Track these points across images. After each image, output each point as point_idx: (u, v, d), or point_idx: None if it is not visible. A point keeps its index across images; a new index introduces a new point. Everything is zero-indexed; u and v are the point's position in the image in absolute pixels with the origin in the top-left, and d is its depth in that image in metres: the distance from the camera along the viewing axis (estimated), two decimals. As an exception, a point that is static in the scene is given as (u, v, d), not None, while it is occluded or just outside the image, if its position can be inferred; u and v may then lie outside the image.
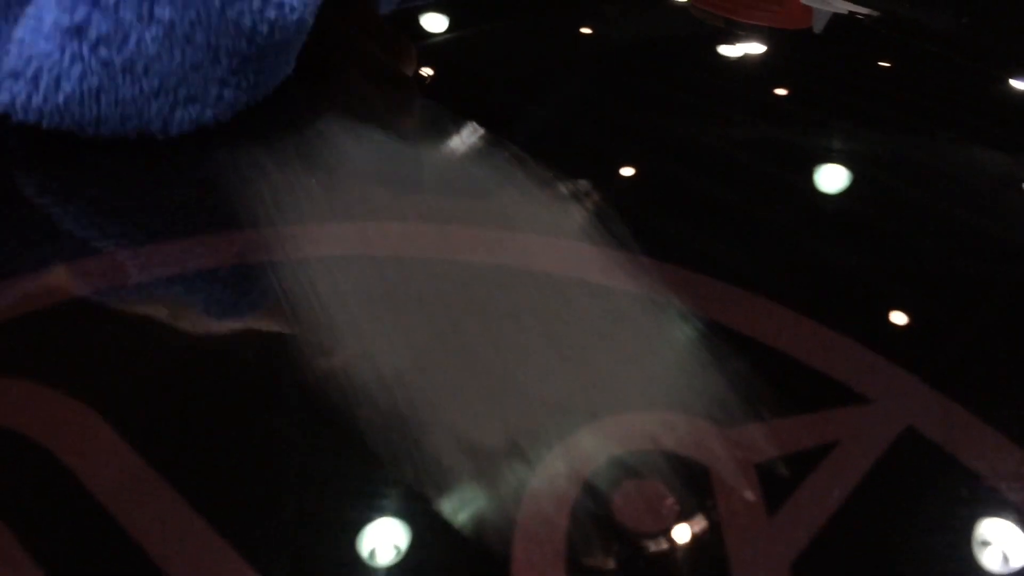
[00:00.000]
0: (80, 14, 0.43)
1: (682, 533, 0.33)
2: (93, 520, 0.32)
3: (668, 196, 0.52)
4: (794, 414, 0.37)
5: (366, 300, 0.41)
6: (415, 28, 0.66)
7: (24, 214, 0.46)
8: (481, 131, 0.51)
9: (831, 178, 0.54)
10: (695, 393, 0.37)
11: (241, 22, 0.46)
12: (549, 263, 0.43)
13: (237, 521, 0.33)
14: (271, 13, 0.46)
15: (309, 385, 0.37)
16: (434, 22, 0.68)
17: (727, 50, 0.71)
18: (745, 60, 0.69)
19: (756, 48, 0.71)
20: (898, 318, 0.44)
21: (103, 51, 0.44)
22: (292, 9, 0.46)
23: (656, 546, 0.33)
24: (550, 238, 0.45)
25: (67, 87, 0.44)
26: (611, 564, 0.32)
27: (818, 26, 0.76)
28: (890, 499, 0.35)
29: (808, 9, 0.78)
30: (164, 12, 0.44)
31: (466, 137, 0.51)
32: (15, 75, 0.44)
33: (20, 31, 0.44)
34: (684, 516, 0.34)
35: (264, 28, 0.46)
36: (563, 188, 0.48)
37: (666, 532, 0.33)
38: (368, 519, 0.33)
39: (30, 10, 0.44)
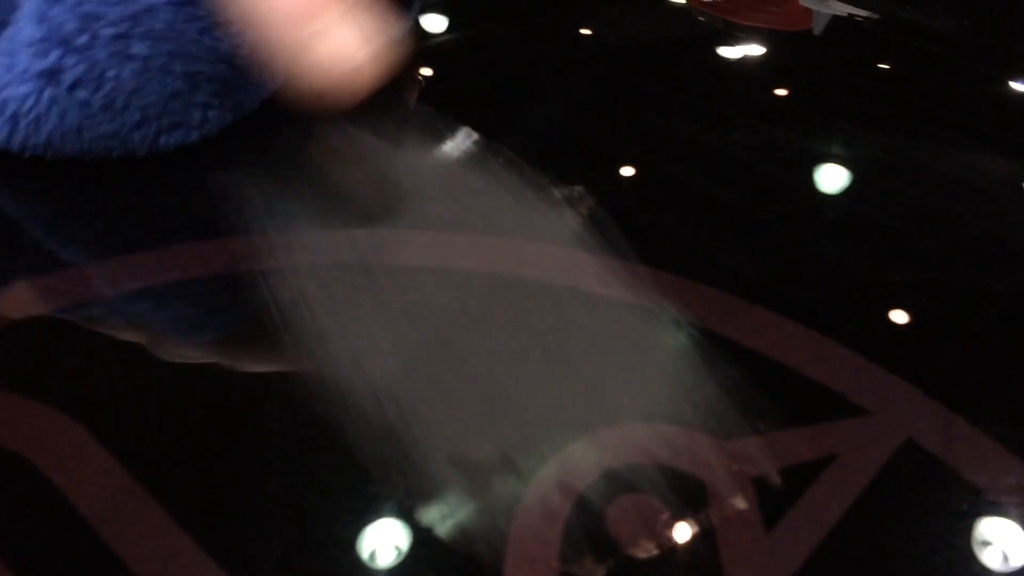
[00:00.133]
0: (53, 58, 0.43)
1: (677, 548, 0.33)
2: (78, 536, 0.32)
3: (665, 201, 0.51)
4: (792, 426, 0.37)
5: (355, 309, 0.40)
6: (414, 29, 0.65)
7: (4, 224, 0.45)
8: (475, 135, 0.51)
9: (830, 182, 0.54)
10: (691, 405, 0.37)
11: (220, 48, 0.45)
12: (543, 271, 0.43)
13: (224, 538, 0.32)
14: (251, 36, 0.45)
15: (298, 396, 0.37)
16: (432, 22, 0.67)
17: (726, 52, 0.70)
18: (744, 62, 0.69)
19: (755, 50, 0.70)
20: (897, 327, 0.43)
21: (81, 93, 0.43)
22: None
23: (651, 562, 0.32)
24: (544, 245, 0.44)
25: (47, 127, 0.44)
26: (605, 581, 0.32)
27: (818, 28, 0.75)
28: (890, 513, 0.35)
29: (808, 11, 0.77)
30: (140, 48, 0.43)
31: (459, 141, 0.51)
32: None
33: None
34: (679, 531, 0.33)
35: (244, 51, 0.45)
36: (558, 193, 0.47)
37: (661, 547, 0.33)
38: (357, 535, 0.33)
39: (1, 47, 0.43)
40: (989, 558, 0.33)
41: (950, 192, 0.55)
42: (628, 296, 0.42)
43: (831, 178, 0.54)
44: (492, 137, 0.51)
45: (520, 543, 0.32)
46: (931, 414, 0.38)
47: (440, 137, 0.51)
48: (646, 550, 0.33)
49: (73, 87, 0.43)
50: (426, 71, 0.61)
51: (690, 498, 0.34)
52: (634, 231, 0.45)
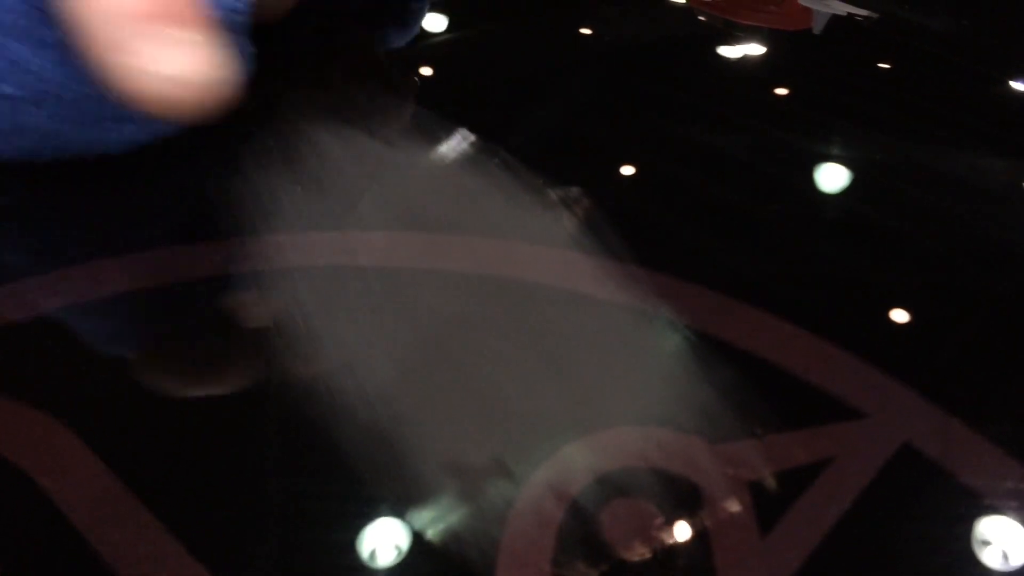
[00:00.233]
0: None
1: (671, 554, 0.32)
2: (66, 542, 0.31)
3: (662, 201, 0.51)
4: (788, 430, 0.36)
5: (348, 311, 0.40)
6: (424, 28, 0.65)
7: None
8: (470, 136, 0.50)
9: (828, 183, 0.53)
10: (686, 408, 0.37)
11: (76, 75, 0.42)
12: (538, 273, 0.42)
13: (215, 544, 0.32)
14: None
15: (289, 400, 0.36)
16: (431, 22, 0.67)
17: (725, 51, 0.70)
18: (743, 62, 0.68)
19: (755, 49, 0.70)
20: (895, 329, 0.43)
21: (6, 88, 0.42)
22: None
23: (644, 567, 0.32)
24: (539, 247, 0.44)
25: None
26: (598, 587, 0.32)
27: (818, 27, 0.75)
28: (887, 518, 0.34)
29: (807, 10, 0.77)
30: (55, 34, 0.40)
31: (455, 142, 0.50)
32: None
33: None
34: (673, 536, 0.33)
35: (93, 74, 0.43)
36: (553, 195, 0.47)
37: (655, 553, 0.32)
38: (349, 539, 0.33)
39: None
40: (988, 562, 0.33)
41: (949, 192, 0.55)
42: (623, 298, 0.41)
43: (829, 178, 0.54)
44: (491, 137, 0.51)
45: (512, 548, 0.32)
46: (929, 417, 0.37)
47: (435, 138, 0.50)
48: (640, 555, 0.32)
49: None
50: (426, 71, 0.61)
51: (685, 502, 0.34)
52: (631, 231, 0.45)
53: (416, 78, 0.59)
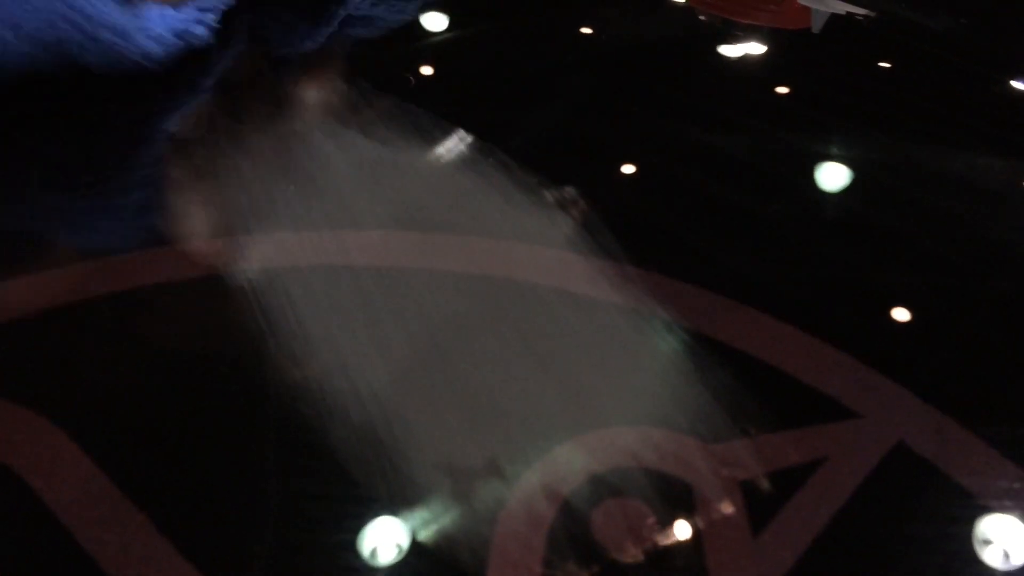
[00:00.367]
0: None
1: (663, 554, 0.32)
2: (54, 541, 0.31)
3: (657, 203, 0.51)
4: (781, 429, 0.36)
5: (342, 311, 0.40)
6: (414, 28, 0.65)
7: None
8: (466, 136, 0.50)
9: (823, 183, 0.53)
10: (679, 408, 0.36)
11: None
12: (532, 273, 0.42)
13: (206, 546, 0.32)
14: None
15: (282, 400, 0.36)
16: (432, 21, 0.67)
17: (725, 51, 0.69)
18: (741, 61, 0.68)
19: (753, 49, 0.70)
20: (890, 329, 0.43)
21: None
22: None
23: (636, 567, 0.32)
24: (533, 247, 0.44)
25: None
26: (588, 588, 0.32)
27: (817, 26, 0.75)
28: (880, 517, 0.34)
29: (807, 9, 0.76)
30: None
31: (450, 142, 0.50)
32: None
33: None
34: (665, 536, 0.33)
35: None
36: (549, 195, 0.47)
37: (646, 553, 0.32)
38: (340, 540, 0.33)
39: None
40: (981, 560, 0.33)
41: (947, 192, 0.54)
42: (617, 299, 0.41)
43: (825, 178, 0.53)
44: (491, 136, 0.51)
45: (503, 548, 0.32)
46: (923, 417, 0.37)
47: (431, 138, 0.50)
48: (631, 555, 0.32)
49: None
50: (426, 69, 0.61)
51: (676, 502, 0.34)
52: (625, 231, 0.45)
53: (410, 76, 0.59)
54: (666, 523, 0.33)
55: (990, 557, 0.33)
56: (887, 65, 0.70)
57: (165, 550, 0.31)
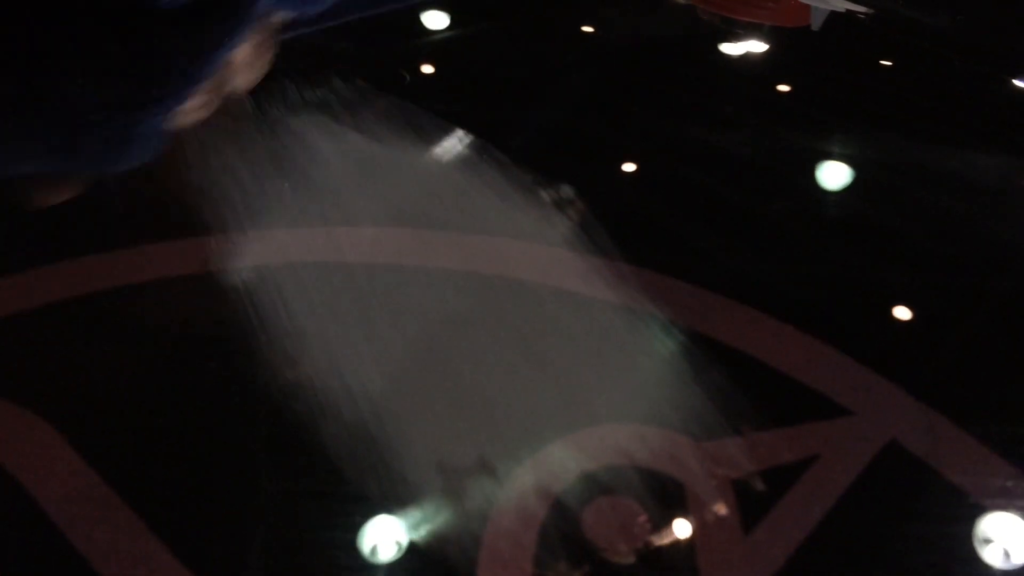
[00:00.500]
0: None
1: (654, 553, 0.32)
2: (44, 539, 0.31)
3: (654, 201, 0.51)
4: (774, 427, 0.36)
5: (335, 309, 0.40)
6: (414, 26, 0.65)
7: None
8: (462, 134, 0.50)
9: (820, 181, 0.53)
10: (672, 405, 0.36)
11: None
12: (526, 270, 0.42)
13: (197, 544, 0.32)
14: None
15: (274, 398, 0.36)
16: (432, 20, 0.67)
17: (724, 49, 0.69)
18: (740, 60, 0.68)
19: (752, 47, 0.70)
20: (883, 327, 0.42)
21: None
22: None
23: (627, 566, 0.32)
24: (528, 244, 0.44)
25: None
26: (578, 586, 0.31)
27: (816, 24, 0.75)
28: (871, 516, 0.34)
29: (806, 7, 0.76)
30: None
31: (446, 140, 0.50)
32: None
33: None
34: (657, 535, 0.33)
35: None
36: (545, 193, 0.46)
37: (637, 552, 0.32)
38: (332, 539, 0.33)
39: None
40: (973, 559, 0.33)
41: (947, 191, 0.54)
42: (612, 297, 0.41)
43: (822, 176, 0.53)
44: (490, 135, 0.50)
45: (494, 547, 0.32)
46: (915, 415, 0.37)
47: (426, 136, 0.50)
48: (622, 554, 0.32)
49: None
50: (425, 68, 0.61)
51: (668, 500, 0.34)
52: (626, 229, 0.45)
53: (405, 74, 0.59)
54: (658, 522, 0.33)
55: (986, 555, 0.33)
56: (887, 63, 0.70)
57: (156, 549, 0.31)
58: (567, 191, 0.47)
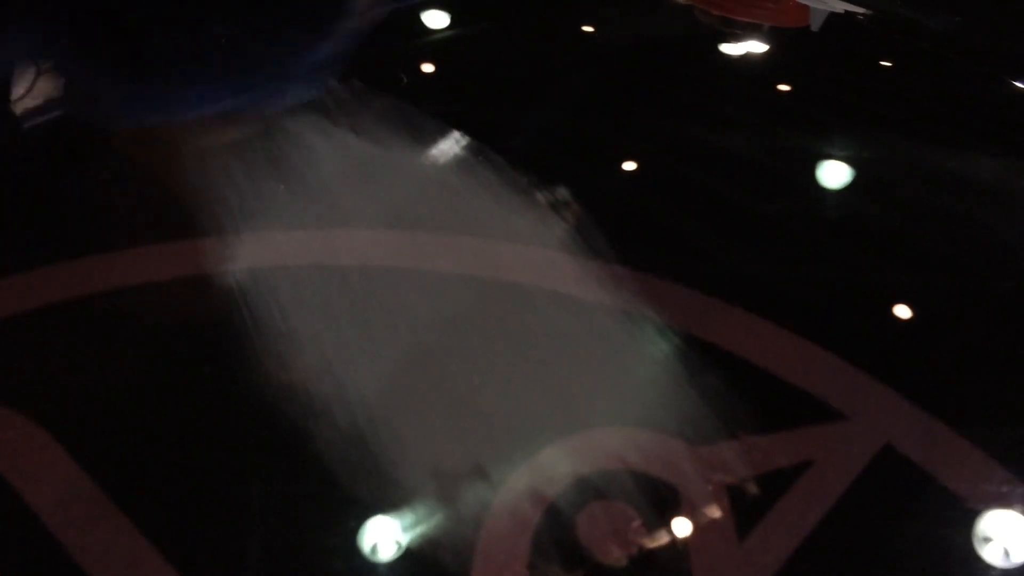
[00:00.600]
0: None
1: (648, 558, 0.32)
2: (36, 543, 0.31)
3: (650, 201, 0.51)
4: (768, 432, 0.36)
5: (329, 312, 0.40)
6: (413, 26, 0.65)
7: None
8: (458, 136, 0.50)
9: (819, 182, 0.53)
10: (667, 410, 0.36)
11: None
12: (521, 273, 0.42)
13: (189, 549, 0.32)
14: None
15: (268, 401, 0.36)
16: (432, 19, 0.67)
17: (723, 50, 0.69)
18: (740, 60, 0.68)
19: (752, 47, 0.69)
20: (877, 331, 0.42)
21: None
22: None
23: (620, 571, 0.32)
24: (523, 247, 0.44)
25: None
26: (572, 592, 0.31)
27: (816, 24, 0.74)
28: (866, 521, 0.34)
29: (806, 7, 0.76)
30: None
31: (442, 142, 0.50)
32: None
33: None
34: (651, 540, 0.33)
35: None
36: (541, 196, 0.46)
37: (631, 558, 0.32)
38: (324, 543, 0.32)
39: None
40: (969, 563, 0.33)
41: (946, 191, 0.54)
42: (607, 300, 0.41)
43: (821, 176, 0.53)
44: (489, 135, 0.50)
45: (488, 552, 0.32)
46: (910, 419, 0.37)
47: (422, 138, 0.50)
48: (616, 559, 0.32)
49: None
50: (424, 68, 0.61)
51: (662, 505, 0.33)
52: (625, 232, 0.45)
53: (403, 75, 0.59)
54: (652, 526, 0.33)
55: (985, 556, 0.33)
56: (887, 63, 0.70)
57: (149, 553, 0.31)
58: (563, 193, 0.47)
